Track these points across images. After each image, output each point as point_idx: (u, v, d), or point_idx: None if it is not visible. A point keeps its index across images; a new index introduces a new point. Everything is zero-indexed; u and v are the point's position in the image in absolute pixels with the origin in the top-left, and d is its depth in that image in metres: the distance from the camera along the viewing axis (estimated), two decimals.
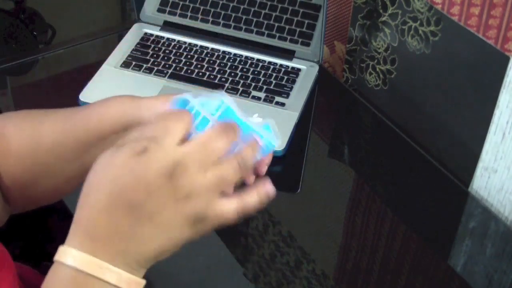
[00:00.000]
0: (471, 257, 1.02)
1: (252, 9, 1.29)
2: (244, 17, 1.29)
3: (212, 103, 0.71)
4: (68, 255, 0.55)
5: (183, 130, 0.59)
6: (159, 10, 1.33)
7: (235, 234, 1.04)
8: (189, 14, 1.32)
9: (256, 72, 1.24)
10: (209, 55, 1.27)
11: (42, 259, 1.51)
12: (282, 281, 0.97)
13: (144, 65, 1.24)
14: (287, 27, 1.27)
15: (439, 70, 1.12)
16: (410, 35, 1.15)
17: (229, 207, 0.58)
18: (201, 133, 0.59)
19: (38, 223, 1.43)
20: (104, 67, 1.24)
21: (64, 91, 1.22)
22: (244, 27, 1.29)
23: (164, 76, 1.22)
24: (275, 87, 1.22)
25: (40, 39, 1.45)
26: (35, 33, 1.45)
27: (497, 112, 1.04)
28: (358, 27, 1.25)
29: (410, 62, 1.17)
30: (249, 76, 1.23)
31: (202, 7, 1.31)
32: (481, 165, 1.10)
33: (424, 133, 1.19)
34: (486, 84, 1.04)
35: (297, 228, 1.05)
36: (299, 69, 1.26)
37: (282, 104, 1.19)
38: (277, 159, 1.12)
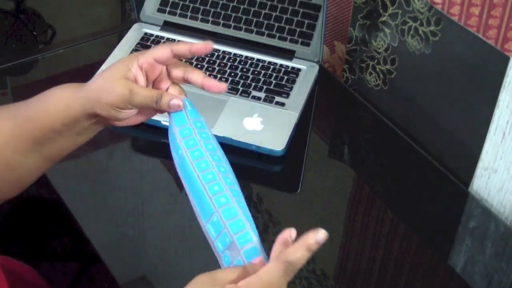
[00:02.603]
0: (471, 257, 1.02)
1: (252, 9, 1.29)
2: (244, 17, 1.29)
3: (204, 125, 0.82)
4: None
5: None
6: (159, 10, 1.33)
7: None
8: (189, 14, 1.32)
9: (256, 72, 1.24)
10: (209, 55, 1.27)
11: (42, 259, 1.52)
12: None
13: None
14: (287, 27, 1.27)
15: (439, 70, 1.12)
16: (410, 35, 1.15)
17: None
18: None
19: (38, 223, 1.44)
20: (104, 67, 1.24)
21: None
22: (244, 27, 1.29)
23: None
24: (275, 87, 1.22)
25: (40, 39, 1.45)
26: (35, 33, 1.45)
27: (497, 112, 1.04)
28: (358, 27, 1.25)
29: (410, 62, 1.17)
30: (249, 76, 1.23)
31: (202, 7, 1.31)
32: (481, 165, 1.10)
33: (424, 133, 1.19)
34: (486, 84, 1.04)
35: (297, 228, 1.05)
36: (299, 69, 1.26)
37: (282, 104, 1.19)
38: (277, 159, 1.12)
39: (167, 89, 0.85)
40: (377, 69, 1.25)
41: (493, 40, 1.01)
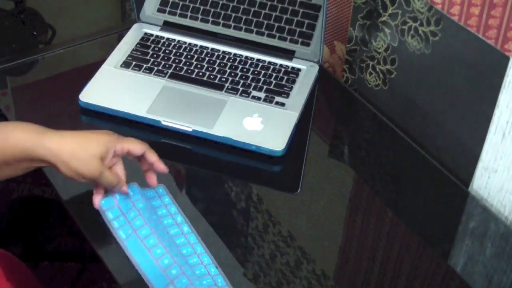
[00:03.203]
0: (471, 257, 1.02)
1: (252, 9, 1.29)
2: (244, 17, 1.29)
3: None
4: None
5: None
6: (159, 10, 1.33)
7: (235, 234, 1.04)
8: (189, 14, 1.32)
9: (256, 72, 1.24)
10: (209, 55, 1.27)
11: (42, 259, 1.52)
12: (282, 281, 0.97)
13: (144, 65, 1.24)
14: (287, 27, 1.27)
15: (439, 70, 1.12)
16: (410, 35, 1.15)
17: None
18: None
19: (38, 223, 1.44)
20: (104, 67, 1.24)
21: (64, 91, 1.22)
22: (244, 27, 1.29)
23: (164, 76, 1.23)
24: (275, 87, 1.22)
25: (40, 39, 1.45)
26: (35, 33, 1.45)
27: (497, 112, 1.04)
28: (358, 27, 1.25)
29: (410, 62, 1.17)
30: (249, 76, 1.23)
31: (202, 7, 1.31)
32: (481, 165, 1.10)
33: (424, 133, 1.19)
34: (486, 84, 1.04)
35: (297, 228, 1.05)
36: (299, 69, 1.26)
37: (282, 104, 1.19)
38: (277, 159, 1.12)
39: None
40: (377, 69, 1.25)
41: (493, 40, 1.01)
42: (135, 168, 0.98)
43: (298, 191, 1.11)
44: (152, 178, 0.99)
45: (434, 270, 1.01)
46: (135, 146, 0.95)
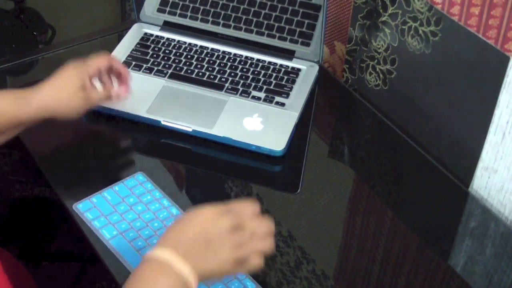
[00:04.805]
0: (471, 257, 1.02)
1: (252, 9, 1.29)
2: (244, 17, 1.29)
3: None
4: (159, 252, 0.78)
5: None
6: (159, 10, 1.33)
7: None
8: (189, 14, 1.32)
9: (256, 72, 1.24)
10: (209, 55, 1.27)
11: (42, 259, 1.52)
12: (282, 281, 0.97)
13: (144, 65, 1.24)
14: (287, 27, 1.27)
15: (439, 70, 1.12)
16: (410, 35, 1.15)
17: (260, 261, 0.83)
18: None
19: (38, 223, 1.44)
20: None
21: None
22: (244, 27, 1.29)
23: (164, 76, 1.23)
24: (275, 87, 1.22)
25: (40, 39, 1.45)
26: (35, 33, 1.45)
27: (497, 112, 1.04)
28: (358, 27, 1.25)
29: (410, 62, 1.17)
30: (249, 76, 1.23)
31: (202, 7, 1.31)
32: (481, 165, 1.10)
33: (424, 133, 1.19)
34: (486, 84, 1.04)
35: (297, 228, 1.05)
36: (299, 69, 1.26)
37: (282, 104, 1.19)
38: (277, 159, 1.12)
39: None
40: (377, 69, 1.25)
41: (493, 40, 1.01)
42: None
43: (298, 191, 1.11)
44: (123, 88, 1.11)
45: (434, 270, 1.01)
46: (101, 60, 1.07)
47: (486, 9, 1.00)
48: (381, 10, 1.19)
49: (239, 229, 0.82)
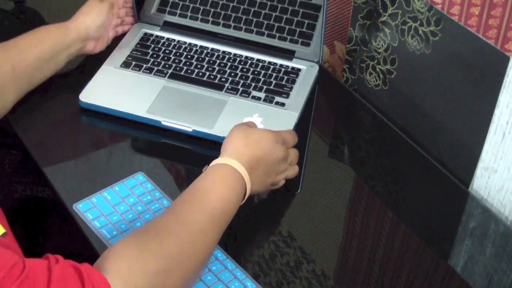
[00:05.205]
0: (471, 257, 1.02)
1: (252, 9, 1.29)
2: (244, 17, 1.29)
3: None
4: (229, 161, 0.92)
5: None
6: (159, 10, 1.33)
7: (235, 234, 1.04)
8: (189, 14, 1.32)
9: (256, 72, 1.24)
10: (209, 55, 1.27)
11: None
12: (282, 281, 0.97)
13: (144, 65, 1.24)
14: (287, 27, 1.27)
15: (439, 70, 1.12)
16: (410, 35, 1.15)
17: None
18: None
19: (38, 223, 1.43)
20: (104, 67, 1.24)
21: (64, 91, 1.22)
22: (244, 27, 1.29)
23: (164, 76, 1.23)
24: (275, 87, 1.22)
25: None
26: None
27: (497, 112, 1.04)
28: (358, 27, 1.25)
29: (410, 62, 1.17)
30: (249, 76, 1.23)
31: (202, 7, 1.31)
32: (481, 165, 1.10)
33: (424, 133, 1.19)
34: (486, 84, 1.04)
35: (297, 228, 1.05)
36: (299, 69, 1.26)
37: (282, 104, 1.19)
38: None
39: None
40: (377, 69, 1.25)
41: (493, 40, 1.01)
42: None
43: (298, 191, 1.11)
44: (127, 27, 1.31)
45: (434, 270, 1.01)
46: None
47: (486, 9, 1.00)
48: (381, 10, 1.19)
49: (285, 159, 0.96)
